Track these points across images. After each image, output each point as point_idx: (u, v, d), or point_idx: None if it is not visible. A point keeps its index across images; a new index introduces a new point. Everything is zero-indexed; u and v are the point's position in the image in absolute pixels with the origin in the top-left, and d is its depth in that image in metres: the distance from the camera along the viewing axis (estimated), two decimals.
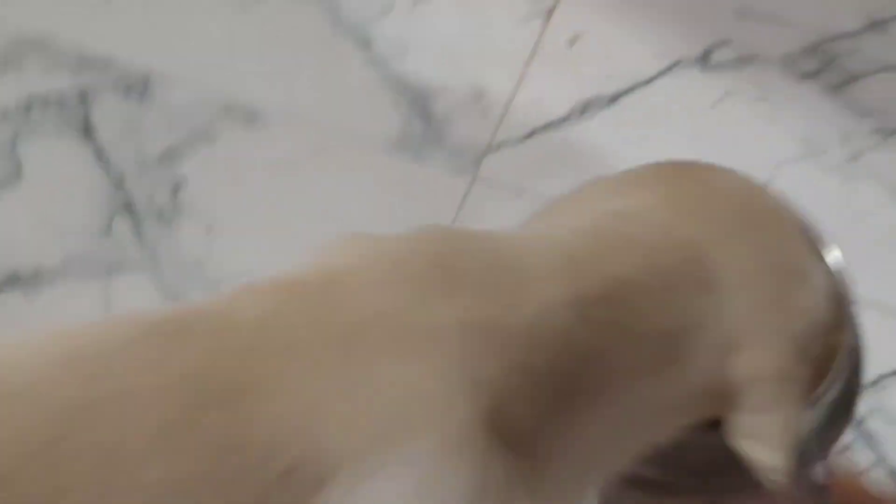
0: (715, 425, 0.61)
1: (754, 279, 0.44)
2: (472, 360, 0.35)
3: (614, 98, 0.82)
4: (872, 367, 0.67)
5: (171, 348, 0.34)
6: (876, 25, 0.87)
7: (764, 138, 0.80)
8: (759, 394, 0.43)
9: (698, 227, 0.44)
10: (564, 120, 0.81)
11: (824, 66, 0.84)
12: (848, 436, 0.65)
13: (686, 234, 0.43)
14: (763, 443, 0.44)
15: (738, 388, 0.43)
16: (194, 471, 0.31)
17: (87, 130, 0.81)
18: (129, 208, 0.76)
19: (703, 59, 0.84)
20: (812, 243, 0.49)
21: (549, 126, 0.81)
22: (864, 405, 0.65)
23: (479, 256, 0.40)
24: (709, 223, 0.44)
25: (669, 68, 0.84)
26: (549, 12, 0.87)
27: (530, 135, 0.81)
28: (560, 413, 0.38)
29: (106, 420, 0.31)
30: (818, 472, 0.64)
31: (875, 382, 0.67)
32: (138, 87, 0.83)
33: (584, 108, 0.82)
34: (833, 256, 0.66)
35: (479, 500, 0.34)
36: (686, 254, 0.43)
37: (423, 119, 0.82)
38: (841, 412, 0.65)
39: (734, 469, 0.63)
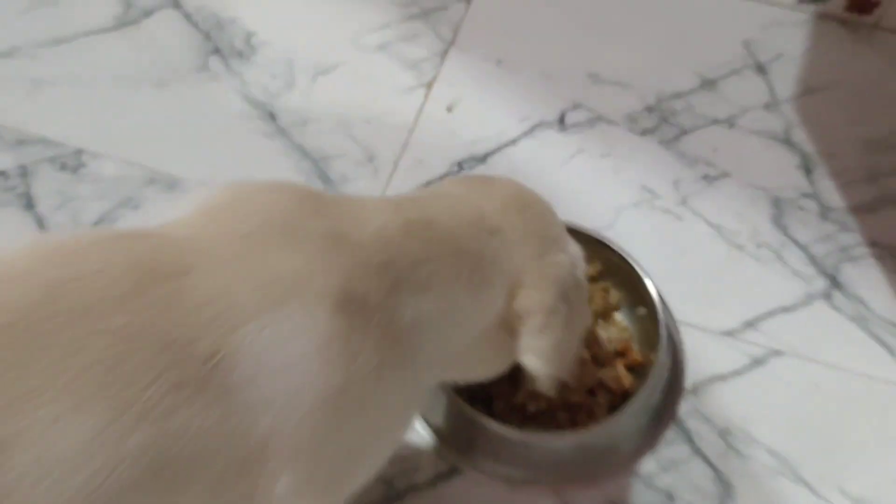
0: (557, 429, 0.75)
1: (525, 239, 0.62)
2: (330, 255, 0.53)
3: (484, 157, 0.96)
4: (692, 376, 0.82)
5: (126, 244, 0.50)
6: (706, 84, 1.03)
7: (609, 187, 0.94)
8: (533, 321, 0.60)
9: (485, 201, 0.63)
10: (443, 176, 0.95)
11: (661, 122, 0.99)
12: (670, 433, 0.79)
13: (477, 204, 0.62)
14: (537, 356, 0.60)
15: (521, 316, 0.60)
16: (148, 320, 0.46)
17: (28, 202, 0.93)
18: None
19: (560, 122, 0.99)
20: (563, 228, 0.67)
21: (430, 182, 0.95)
22: (683, 407, 0.80)
23: (332, 197, 0.59)
24: (492, 200, 0.63)
25: (531, 130, 0.98)
26: (430, 85, 1.01)
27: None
28: (398, 294, 0.54)
29: (79, 289, 0.46)
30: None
31: (694, 389, 0.82)
32: (72, 163, 0.95)
33: (460, 167, 0.96)
34: (653, 289, 0.81)
35: (328, 341, 0.50)
36: (477, 213, 0.62)
37: (322, 180, 0.95)
38: (663, 413, 0.80)
39: (571, 464, 0.77)
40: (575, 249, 0.67)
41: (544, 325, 0.60)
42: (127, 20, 1.06)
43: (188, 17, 1.06)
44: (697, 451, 0.79)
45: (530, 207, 0.65)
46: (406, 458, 0.77)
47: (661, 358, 0.77)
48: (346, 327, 0.50)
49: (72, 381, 0.42)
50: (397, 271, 0.54)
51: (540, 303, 0.61)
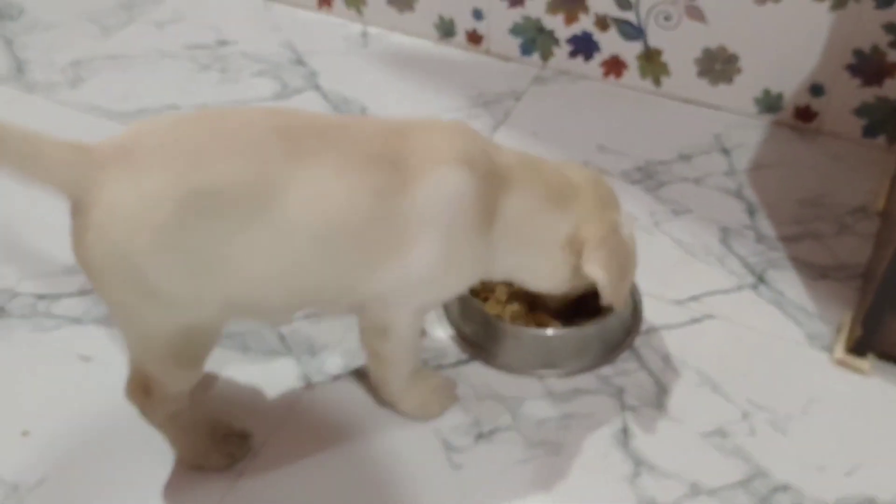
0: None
1: (594, 199, 0.98)
2: (482, 153, 0.90)
3: None
4: (647, 325, 1.15)
5: (381, 121, 0.91)
6: (683, 157, 1.42)
7: None
8: (593, 241, 0.96)
9: (574, 173, 1.00)
10: None
11: (646, 177, 1.38)
12: (625, 355, 1.11)
13: (567, 172, 0.99)
14: (598, 265, 0.95)
15: (585, 239, 0.96)
16: (386, 148, 0.85)
17: None
18: None
19: None
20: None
21: None
22: (637, 342, 1.13)
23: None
24: (579, 174, 1.00)
25: None
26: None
27: None
28: (501, 189, 0.91)
29: (356, 130, 0.86)
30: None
31: (647, 331, 1.14)
32: None
33: None
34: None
35: (474, 195, 0.87)
36: (565, 174, 0.99)
37: None
38: (622, 343, 1.12)
39: (550, 358, 1.08)
40: (627, 220, 1.01)
41: (600, 245, 0.95)
42: (283, 95, 1.55)
43: (324, 95, 1.55)
44: (644, 367, 1.11)
45: (602, 186, 1.01)
46: (438, 349, 1.12)
47: (634, 299, 1.12)
48: (481, 194, 0.88)
49: (339, 162, 0.81)
50: (506, 179, 0.92)
51: (599, 231, 0.95)
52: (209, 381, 1.06)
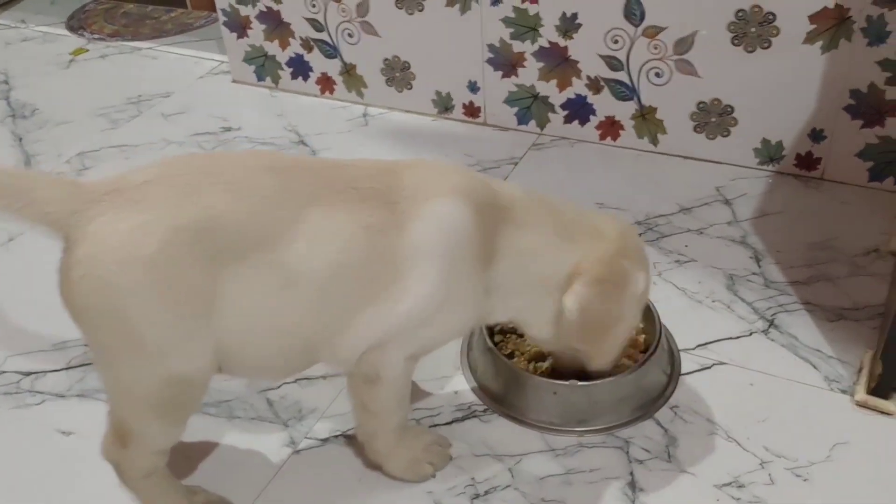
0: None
1: (611, 245, 0.90)
2: (478, 186, 0.87)
3: None
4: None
5: (374, 163, 0.87)
6: (684, 210, 1.39)
7: None
8: (585, 277, 0.88)
9: (602, 221, 0.94)
10: None
11: (647, 230, 1.35)
12: (664, 410, 1.05)
13: (591, 216, 0.94)
14: (574, 299, 0.88)
15: (579, 273, 0.88)
16: (379, 189, 0.82)
17: None
18: None
19: None
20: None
21: None
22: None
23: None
24: (606, 223, 0.94)
25: None
26: None
27: None
28: (499, 221, 0.86)
29: (354, 171, 0.83)
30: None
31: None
32: None
33: None
34: (656, 317, 1.09)
35: (471, 227, 0.83)
36: (581, 217, 0.93)
37: None
38: (665, 391, 1.05)
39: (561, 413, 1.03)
40: (644, 283, 0.93)
41: (592, 282, 0.87)
42: None
43: None
44: (651, 417, 1.04)
45: (631, 239, 0.94)
46: (431, 407, 1.06)
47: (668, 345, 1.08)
48: (478, 226, 0.84)
49: (331, 199, 0.79)
50: (509, 212, 0.87)
51: (599, 270, 0.88)
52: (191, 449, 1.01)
